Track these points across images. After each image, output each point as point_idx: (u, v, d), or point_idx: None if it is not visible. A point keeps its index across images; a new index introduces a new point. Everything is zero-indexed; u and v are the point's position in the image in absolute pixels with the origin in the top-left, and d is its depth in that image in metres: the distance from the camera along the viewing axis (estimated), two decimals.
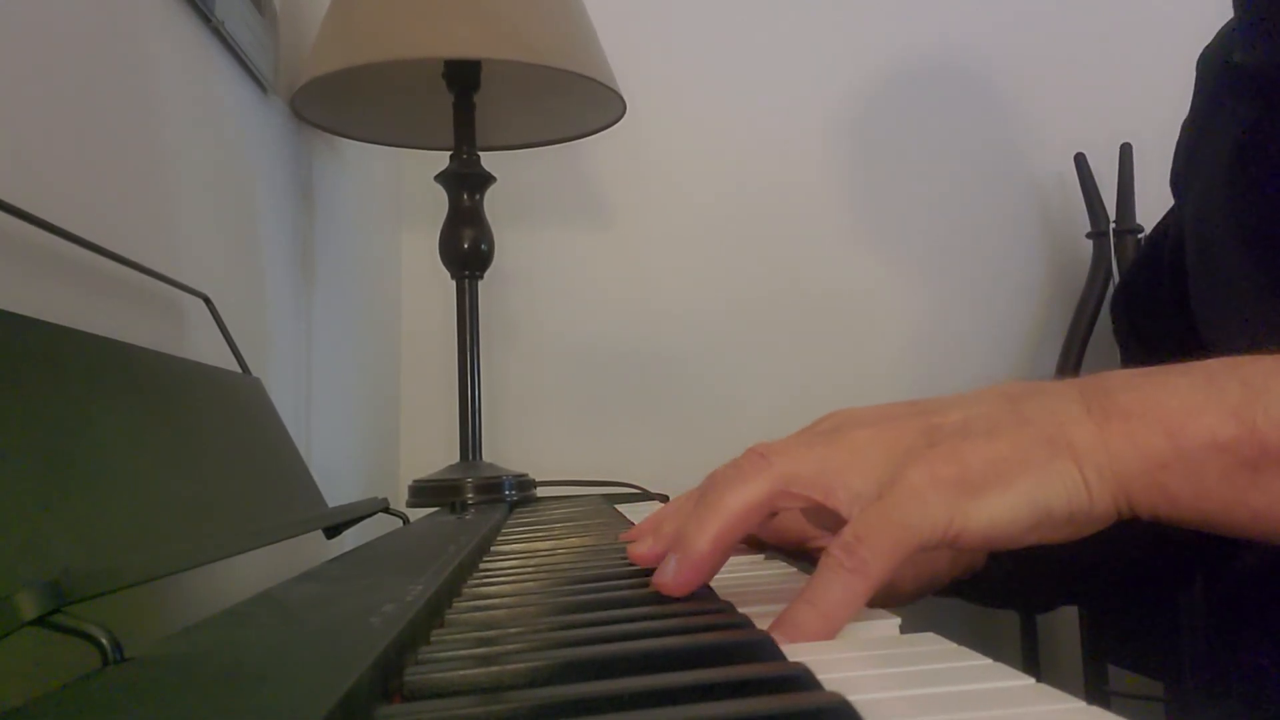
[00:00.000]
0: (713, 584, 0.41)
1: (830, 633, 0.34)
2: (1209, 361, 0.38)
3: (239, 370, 0.67)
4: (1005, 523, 0.36)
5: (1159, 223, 0.74)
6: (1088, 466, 0.36)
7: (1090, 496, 0.36)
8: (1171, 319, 0.67)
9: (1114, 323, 0.79)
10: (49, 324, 0.41)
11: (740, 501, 0.38)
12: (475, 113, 1.08)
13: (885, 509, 0.36)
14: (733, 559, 0.50)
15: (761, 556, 0.58)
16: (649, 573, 0.40)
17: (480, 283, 1.11)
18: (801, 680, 0.25)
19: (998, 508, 0.36)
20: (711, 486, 0.39)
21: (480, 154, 1.10)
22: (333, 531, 0.64)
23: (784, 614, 0.34)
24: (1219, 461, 0.36)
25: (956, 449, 0.37)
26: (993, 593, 0.66)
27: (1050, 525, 0.36)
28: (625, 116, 1.13)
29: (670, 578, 0.38)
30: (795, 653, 0.28)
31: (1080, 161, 1.46)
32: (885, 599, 0.61)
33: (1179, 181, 0.71)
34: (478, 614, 0.37)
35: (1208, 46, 0.69)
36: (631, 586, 0.41)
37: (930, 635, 0.32)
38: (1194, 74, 0.70)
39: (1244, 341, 0.39)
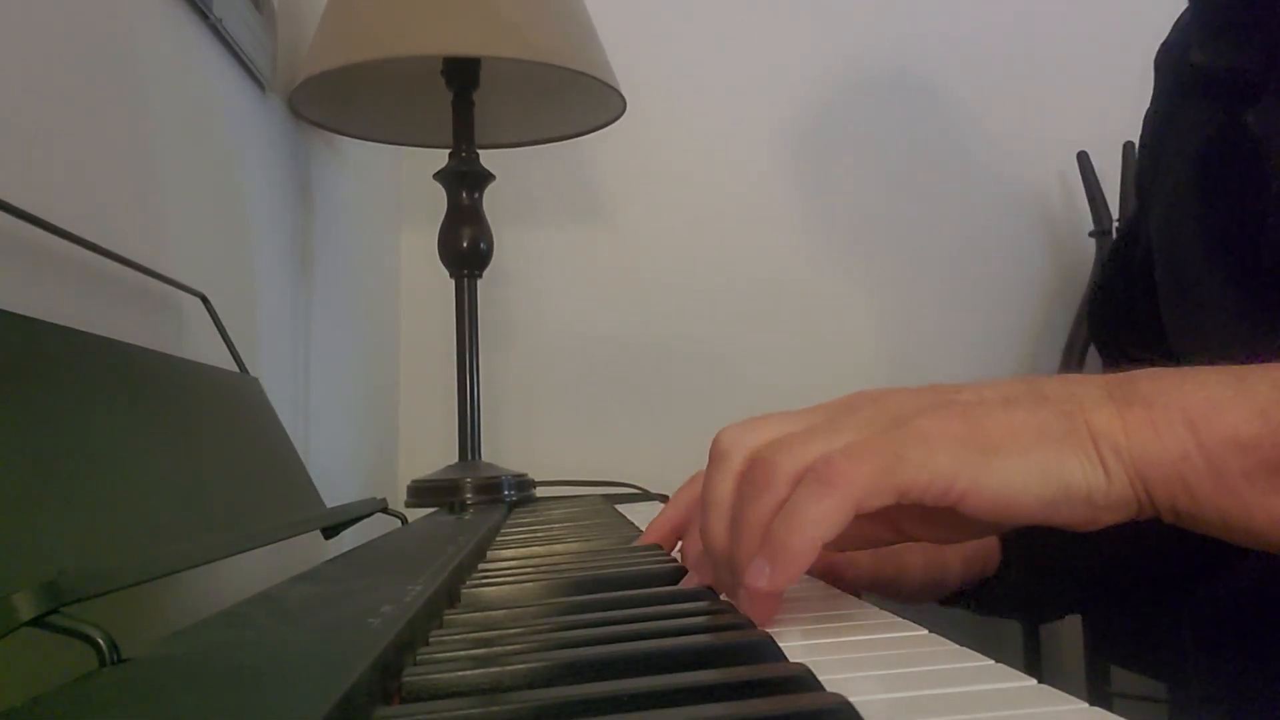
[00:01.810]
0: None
1: (808, 551, 0.33)
2: (1247, 365, 0.36)
3: (236, 369, 0.67)
4: (1019, 489, 0.34)
5: (1124, 225, 0.73)
6: (1105, 447, 0.34)
7: (1108, 477, 0.34)
8: (1147, 327, 0.65)
9: (1091, 330, 0.77)
10: (45, 323, 0.41)
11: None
12: (474, 110, 1.08)
13: (881, 439, 0.34)
14: None
15: None
16: (647, 574, 0.40)
17: (479, 281, 1.11)
18: (803, 681, 0.25)
19: (1012, 472, 0.34)
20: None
21: (479, 152, 1.09)
22: (331, 532, 0.64)
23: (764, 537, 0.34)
24: (1240, 459, 0.34)
25: (969, 410, 0.35)
26: (999, 602, 0.66)
27: (1067, 503, 0.34)
28: (625, 114, 1.13)
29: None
30: (796, 653, 0.28)
31: (1083, 160, 1.46)
32: (892, 588, 0.60)
33: (1143, 178, 0.68)
34: (476, 615, 0.37)
35: (1165, 41, 0.67)
36: (631, 587, 0.41)
37: (932, 636, 0.32)
38: None
39: (1215, 355, 0.38)
